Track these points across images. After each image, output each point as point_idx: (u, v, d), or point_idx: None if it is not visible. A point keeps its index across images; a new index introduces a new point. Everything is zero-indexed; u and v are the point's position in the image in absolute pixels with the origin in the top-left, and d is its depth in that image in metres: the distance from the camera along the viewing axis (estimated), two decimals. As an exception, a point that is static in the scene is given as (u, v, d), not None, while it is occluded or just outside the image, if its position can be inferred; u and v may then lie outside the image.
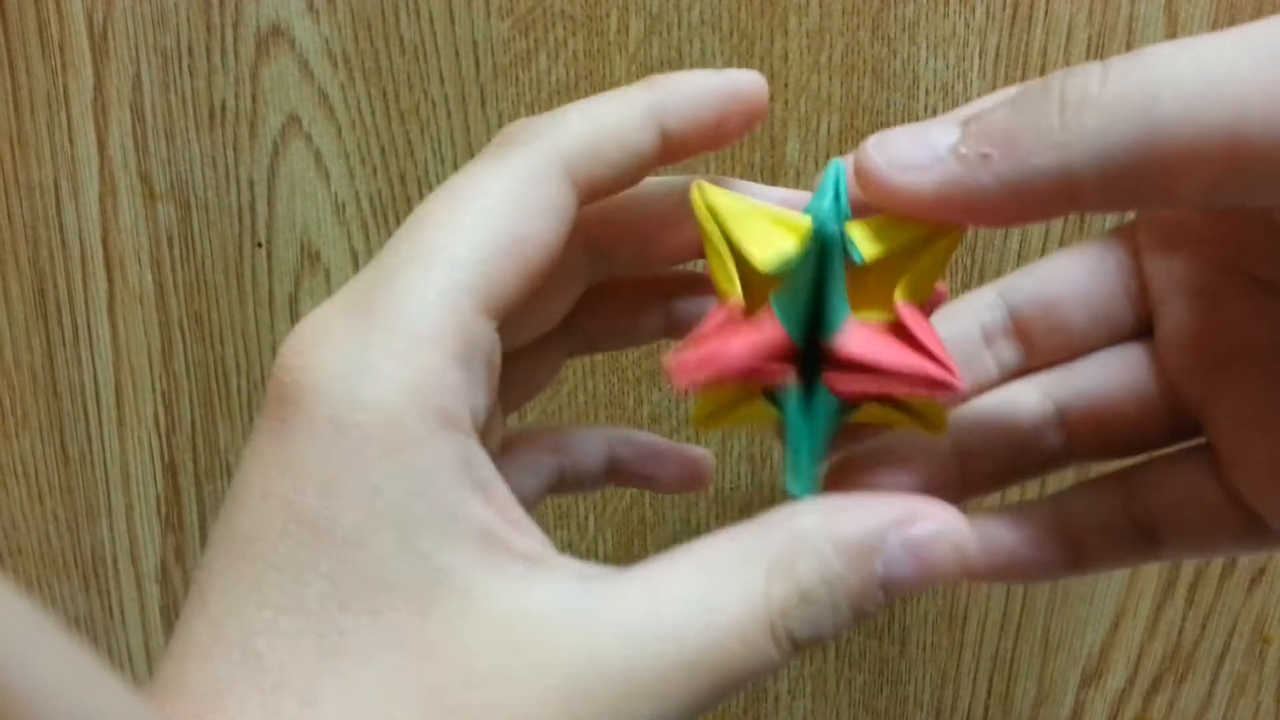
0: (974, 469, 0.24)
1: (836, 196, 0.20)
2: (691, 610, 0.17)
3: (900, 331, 0.19)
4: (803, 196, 0.23)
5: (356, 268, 0.39)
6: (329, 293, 0.39)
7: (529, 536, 0.18)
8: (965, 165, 0.17)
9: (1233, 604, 0.41)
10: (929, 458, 0.23)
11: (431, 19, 0.36)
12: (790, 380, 0.20)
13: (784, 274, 0.19)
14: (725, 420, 0.21)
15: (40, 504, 0.42)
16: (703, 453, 0.27)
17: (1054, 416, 0.24)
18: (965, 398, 0.22)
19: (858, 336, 0.19)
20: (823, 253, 0.18)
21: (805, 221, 0.20)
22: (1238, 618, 0.41)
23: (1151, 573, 0.41)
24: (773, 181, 0.37)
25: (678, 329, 0.25)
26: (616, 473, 0.27)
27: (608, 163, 0.20)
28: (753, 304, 0.20)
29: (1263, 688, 0.42)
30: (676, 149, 0.21)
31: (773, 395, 0.20)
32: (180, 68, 0.37)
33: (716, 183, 0.21)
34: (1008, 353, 0.24)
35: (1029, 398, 0.24)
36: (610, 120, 0.20)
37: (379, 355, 0.17)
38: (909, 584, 0.18)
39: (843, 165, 0.20)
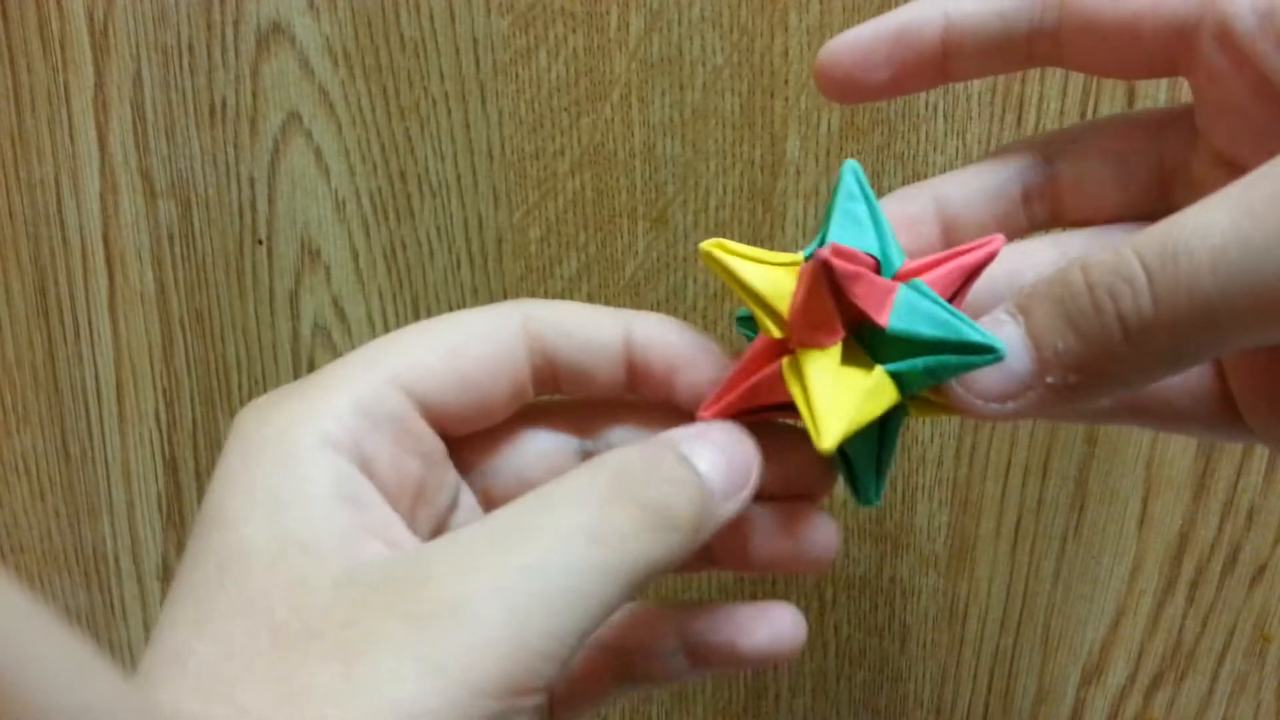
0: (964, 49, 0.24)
1: (875, 222, 0.22)
2: (525, 514, 0.19)
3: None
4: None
5: (357, 265, 0.39)
6: (329, 289, 0.39)
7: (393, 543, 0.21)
8: (1058, 393, 0.20)
9: (1233, 602, 0.41)
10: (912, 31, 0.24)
11: (431, 16, 0.36)
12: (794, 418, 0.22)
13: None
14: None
15: (42, 500, 0.42)
16: (789, 612, 0.25)
17: (1044, 186, 0.24)
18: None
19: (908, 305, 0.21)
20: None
21: (797, 259, 0.22)
22: (1238, 616, 0.41)
23: (1152, 571, 0.41)
24: (773, 179, 0.37)
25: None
26: (698, 659, 0.25)
27: (572, 345, 0.23)
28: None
29: (1263, 686, 0.42)
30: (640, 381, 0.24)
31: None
32: (181, 65, 0.37)
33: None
34: (1041, 212, 0.25)
35: (1044, 253, 0.24)
36: (585, 322, 0.23)
37: (292, 396, 0.22)
38: (718, 465, 0.21)
39: (854, 167, 0.22)
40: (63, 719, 0.12)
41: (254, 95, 0.37)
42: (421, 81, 0.37)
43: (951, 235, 0.25)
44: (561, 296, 0.39)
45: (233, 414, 0.41)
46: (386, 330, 0.40)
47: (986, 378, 0.20)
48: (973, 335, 0.20)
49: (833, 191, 0.22)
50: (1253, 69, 0.21)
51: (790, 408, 0.21)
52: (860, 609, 0.42)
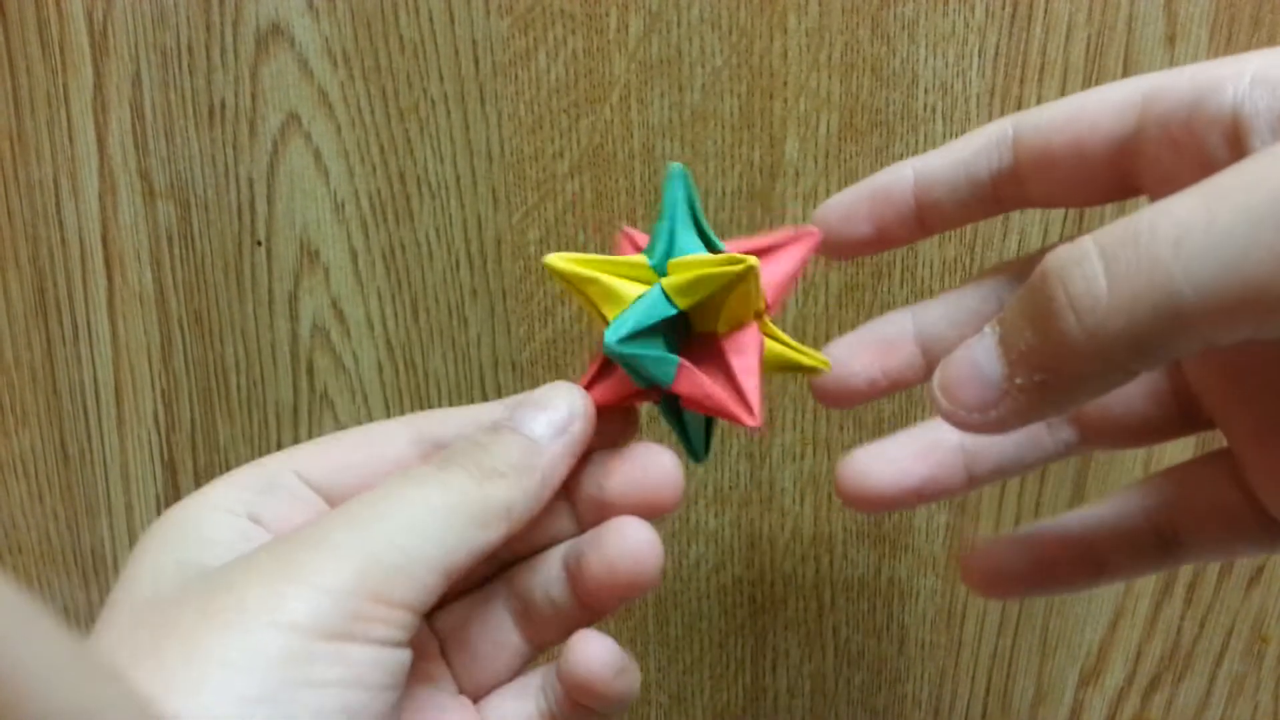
0: (981, 461, 0.24)
1: (672, 236, 0.24)
2: (372, 496, 0.22)
3: (723, 363, 0.24)
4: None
5: (356, 266, 0.39)
6: (328, 291, 0.39)
7: None
8: (1029, 394, 0.19)
9: (1231, 603, 0.41)
10: (935, 449, 0.24)
11: (431, 17, 0.36)
12: (654, 402, 0.25)
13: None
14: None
15: (40, 502, 0.42)
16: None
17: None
18: (761, 430, 0.24)
19: (685, 380, 0.24)
20: (624, 362, 0.23)
21: (640, 261, 0.24)
22: (1236, 617, 0.41)
23: (1150, 572, 0.41)
24: (771, 181, 0.37)
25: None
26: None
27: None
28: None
29: (1260, 687, 0.42)
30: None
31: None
32: (180, 66, 0.37)
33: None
34: None
35: None
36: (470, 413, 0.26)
37: (204, 490, 0.24)
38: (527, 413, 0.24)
39: (680, 171, 0.24)
40: (63, 718, 0.12)
41: (253, 96, 0.37)
42: (421, 83, 0.37)
43: (932, 358, 0.26)
44: (560, 298, 0.39)
45: (231, 415, 0.41)
46: (385, 331, 0.40)
47: (962, 389, 0.20)
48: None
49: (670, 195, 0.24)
50: (1196, 158, 0.21)
51: (642, 396, 0.25)
52: (859, 610, 0.42)
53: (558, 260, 0.24)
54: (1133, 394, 0.24)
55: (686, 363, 0.23)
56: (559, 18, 0.36)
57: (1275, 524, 0.22)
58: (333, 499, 0.24)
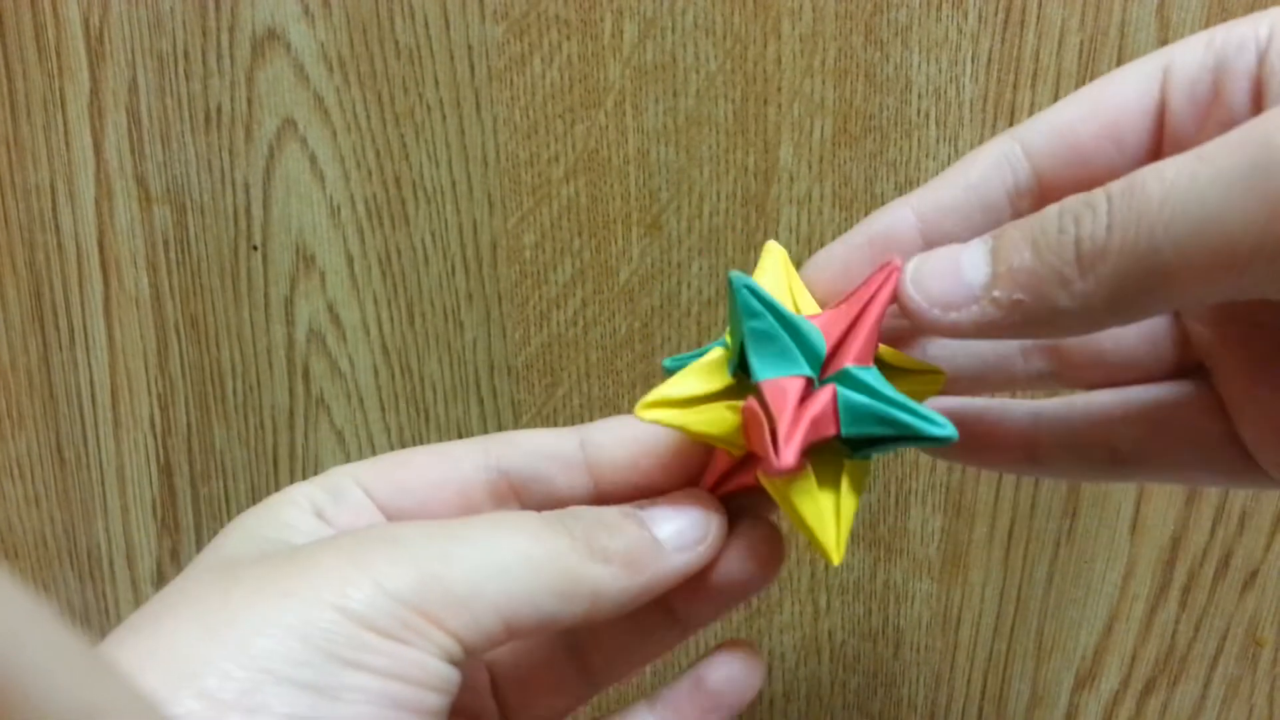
0: (947, 344, 0.25)
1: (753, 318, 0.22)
2: (468, 521, 0.22)
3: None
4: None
5: (352, 270, 0.39)
6: (324, 295, 0.39)
7: None
8: (1001, 310, 0.20)
9: (1226, 607, 0.41)
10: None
11: (426, 23, 0.36)
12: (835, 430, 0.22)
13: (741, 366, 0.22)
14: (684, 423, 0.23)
15: (36, 506, 0.42)
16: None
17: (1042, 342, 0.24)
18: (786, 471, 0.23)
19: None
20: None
21: (717, 356, 0.23)
22: (1231, 621, 0.41)
23: (1145, 576, 0.41)
24: (766, 186, 0.37)
25: None
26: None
27: (526, 457, 0.25)
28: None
29: (1255, 691, 0.42)
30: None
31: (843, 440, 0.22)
32: (176, 71, 0.37)
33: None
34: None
35: None
36: (540, 437, 0.25)
37: (280, 491, 0.24)
38: (670, 518, 0.23)
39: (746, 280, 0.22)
40: (66, 718, 0.12)
41: (249, 101, 0.37)
42: (416, 88, 0.37)
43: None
44: (556, 302, 0.39)
45: (227, 419, 0.41)
46: (380, 335, 0.40)
47: (937, 282, 0.21)
48: (919, 427, 0.21)
49: (730, 307, 0.22)
50: (1222, 121, 0.21)
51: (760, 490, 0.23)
52: (854, 614, 0.42)
53: (648, 415, 0.22)
54: (1128, 332, 0.24)
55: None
56: (554, 23, 0.36)
57: (1245, 456, 0.23)
58: (393, 516, 0.24)
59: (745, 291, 0.21)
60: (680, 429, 0.22)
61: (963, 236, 0.23)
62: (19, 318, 0.40)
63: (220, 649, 0.18)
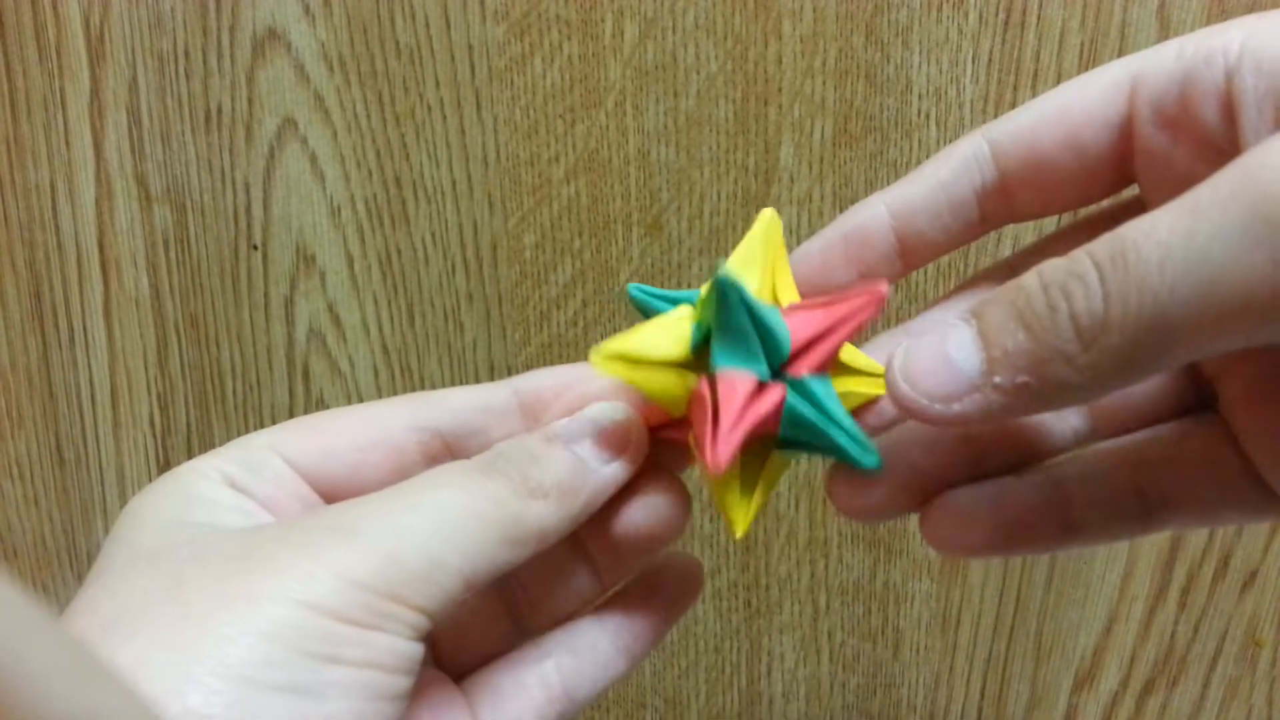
0: (991, 457, 0.24)
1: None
2: (408, 486, 0.21)
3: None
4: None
5: (352, 270, 0.39)
6: (324, 295, 0.39)
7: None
8: (1007, 395, 0.19)
9: (1224, 608, 0.41)
10: (938, 445, 0.24)
11: (427, 23, 0.36)
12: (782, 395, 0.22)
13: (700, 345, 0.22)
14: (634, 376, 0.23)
15: (36, 505, 0.42)
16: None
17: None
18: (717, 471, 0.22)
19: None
20: (721, 299, 0.21)
21: (679, 314, 0.23)
22: (1229, 621, 0.41)
23: (1144, 577, 0.41)
24: (766, 186, 0.37)
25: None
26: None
27: (460, 417, 0.25)
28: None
29: (1254, 691, 0.42)
30: None
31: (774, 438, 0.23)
32: (176, 71, 0.37)
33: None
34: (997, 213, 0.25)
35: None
36: (472, 392, 0.25)
37: (188, 465, 0.23)
38: (582, 429, 0.23)
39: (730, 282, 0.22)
40: None
41: (249, 101, 0.37)
42: (417, 88, 0.37)
43: (908, 248, 0.25)
44: (556, 302, 0.39)
45: (227, 419, 0.41)
46: (380, 335, 0.40)
47: (930, 377, 0.20)
48: (850, 452, 0.22)
49: (712, 296, 0.22)
50: (1191, 135, 0.21)
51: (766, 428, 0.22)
52: (854, 614, 0.42)
53: (604, 363, 0.22)
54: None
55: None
56: (555, 24, 0.36)
57: (1266, 489, 0.22)
58: (319, 485, 0.23)
59: (732, 292, 0.21)
60: (631, 385, 0.22)
61: (931, 235, 0.24)
62: (19, 317, 0.40)
63: (196, 663, 0.18)
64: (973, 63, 0.36)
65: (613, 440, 0.23)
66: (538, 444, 0.22)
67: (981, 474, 0.24)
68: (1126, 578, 0.41)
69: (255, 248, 0.39)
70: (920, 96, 0.36)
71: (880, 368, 0.23)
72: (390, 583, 0.19)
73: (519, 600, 0.25)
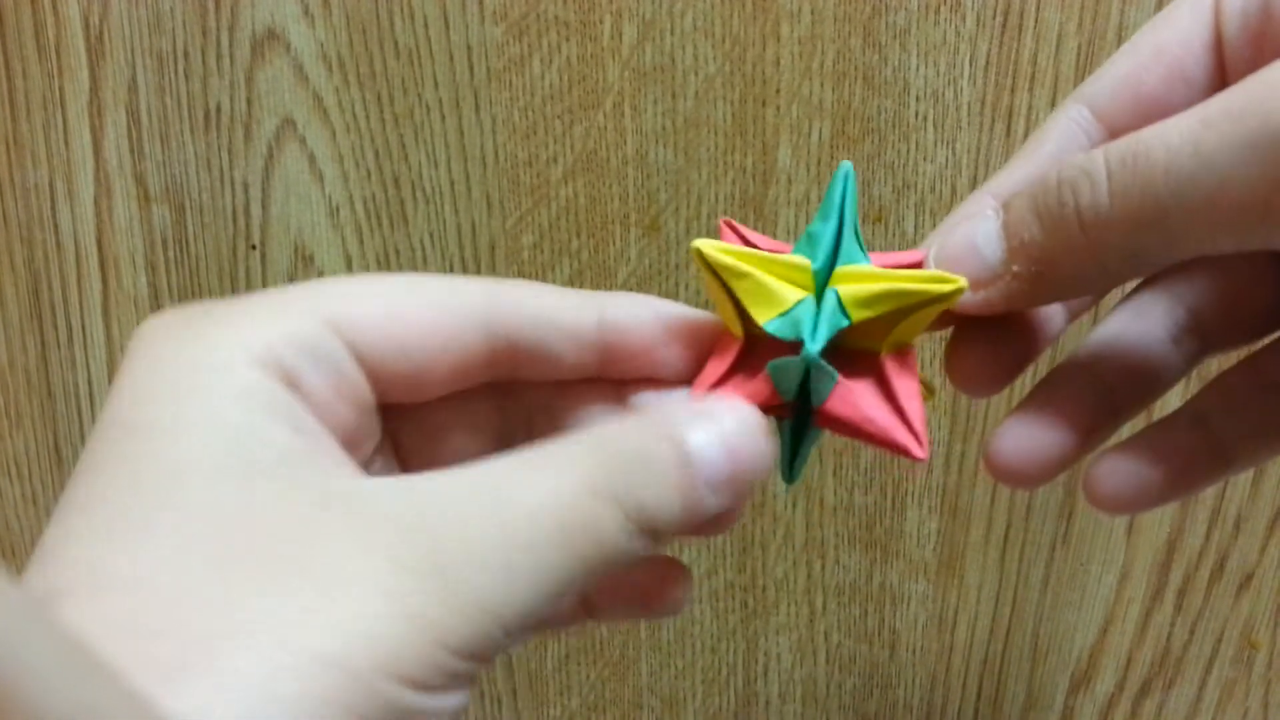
0: (1121, 397, 0.23)
1: (838, 240, 0.21)
2: (513, 477, 0.18)
3: (885, 385, 0.21)
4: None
5: (350, 271, 0.39)
6: (323, 295, 0.39)
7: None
8: (1025, 283, 0.21)
9: (1221, 610, 0.41)
10: (1073, 393, 0.23)
11: (426, 23, 0.37)
12: (784, 414, 0.22)
13: (780, 341, 0.21)
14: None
15: (34, 505, 0.42)
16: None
17: (1186, 320, 0.24)
18: (923, 461, 0.22)
19: (840, 399, 0.21)
20: (807, 370, 0.20)
21: (802, 262, 0.21)
22: (1226, 623, 0.42)
23: (1141, 578, 0.41)
24: (764, 187, 0.37)
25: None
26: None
27: (539, 329, 0.22)
28: (753, 344, 0.22)
29: (1250, 693, 0.43)
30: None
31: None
32: (175, 71, 0.37)
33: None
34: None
35: (1159, 308, 0.24)
36: (556, 305, 0.22)
37: (211, 316, 0.19)
38: (721, 468, 0.19)
39: (851, 171, 0.22)
40: (60, 718, 0.12)
41: (248, 101, 0.38)
42: (415, 88, 0.37)
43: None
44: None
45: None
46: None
47: (958, 264, 0.21)
48: (781, 466, 0.22)
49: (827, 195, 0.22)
50: (1277, 46, 0.21)
51: (772, 409, 0.21)
52: (850, 616, 0.42)
53: (709, 248, 0.20)
54: (1246, 287, 0.23)
55: (845, 381, 0.21)
56: (553, 25, 0.36)
57: None
58: (377, 383, 0.20)
59: (843, 180, 0.21)
60: (720, 266, 0.21)
61: None
62: (17, 316, 0.40)
63: (272, 705, 0.15)
64: (970, 65, 0.36)
65: (742, 486, 0.19)
66: (666, 465, 0.18)
67: (1115, 412, 0.23)
68: (1123, 580, 0.41)
69: (254, 248, 0.39)
70: (918, 99, 0.36)
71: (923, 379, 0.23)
72: (485, 646, 0.17)
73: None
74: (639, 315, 0.22)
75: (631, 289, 0.39)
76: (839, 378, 0.20)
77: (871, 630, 0.42)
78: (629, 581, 0.23)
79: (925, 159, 0.37)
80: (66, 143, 0.38)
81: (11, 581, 0.13)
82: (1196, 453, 0.23)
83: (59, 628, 0.13)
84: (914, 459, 0.20)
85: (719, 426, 0.19)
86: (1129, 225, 0.19)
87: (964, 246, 0.21)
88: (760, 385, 0.21)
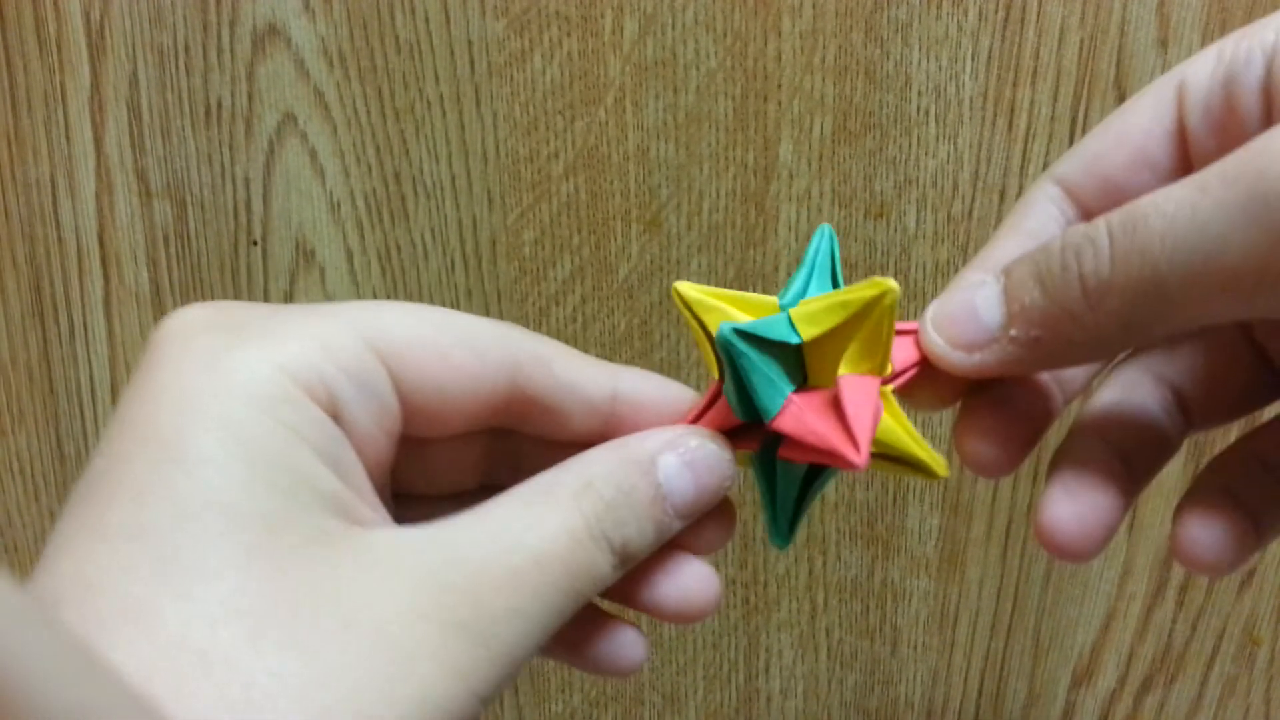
0: (1137, 464, 0.24)
1: (809, 278, 0.23)
2: (519, 523, 0.19)
3: (837, 400, 0.21)
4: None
5: (351, 265, 0.39)
6: (324, 290, 0.39)
7: (380, 517, 0.20)
8: (1021, 347, 0.21)
9: (1222, 606, 0.41)
10: (1103, 462, 0.23)
11: (427, 18, 0.37)
12: (752, 450, 0.22)
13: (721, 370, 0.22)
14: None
15: (36, 501, 0.42)
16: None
17: (1172, 397, 0.24)
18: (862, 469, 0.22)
19: (789, 414, 0.21)
20: (731, 359, 0.21)
21: (769, 300, 0.22)
22: (1227, 620, 0.41)
23: (1142, 574, 0.41)
24: (765, 183, 0.37)
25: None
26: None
27: (559, 389, 0.22)
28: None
29: (1252, 689, 0.42)
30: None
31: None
32: (176, 66, 0.37)
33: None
34: None
35: (1146, 385, 0.24)
36: (578, 368, 0.23)
37: (250, 326, 0.19)
38: (687, 495, 0.21)
39: (831, 232, 0.23)
40: (60, 718, 0.12)
41: (249, 96, 0.38)
42: (416, 84, 0.37)
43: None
44: (555, 298, 0.39)
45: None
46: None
47: (955, 326, 0.21)
48: (767, 521, 0.23)
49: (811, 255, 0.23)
50: (1238, 135, 0.21)
51: (748, 441, 0.22)
52: (851, 612, 0.42)
53: (686, 288, 0.22)
54: (1225, 368, 0.24)
55: (797, 399, 0.21)
56: (554, 20, 0.36)
57: None
58: (411, 419, 0.20)
59: (826, 241, 0.22)
60: (691, 302, 0.22)
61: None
62: (19, 312, 0.40)
63: None
64: (972, 59, 0.36)
65: (705, 496, 0.21)
66: (646, 501, 0.20)
67: (1137, 479, 0.23)
68: (1125, 575, 0.41)
69: (255, 243, 0.39)
70: (920, 93, 0.36)
71: (920, 440, 0.23)
72: (503, 687, 0.18)
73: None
74: (652, 395, 0.23)
75: (633, 285, 0.39)
76: (789, 395, 0.21)
77: (873, 626, 0.42)
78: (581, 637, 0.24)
79: (927, 154, 0.37)
80: (68, 138, 0.38)
81: (12, 583, 0.13)
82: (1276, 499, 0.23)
83: (60, 629, 0.13)
84: (850, 466, 0.20)
85: (684, 450, 0.21)
86: (1130, 292, 0.19)
87: (962, 309, 0.21)
88: (720, 410, 0.22)
